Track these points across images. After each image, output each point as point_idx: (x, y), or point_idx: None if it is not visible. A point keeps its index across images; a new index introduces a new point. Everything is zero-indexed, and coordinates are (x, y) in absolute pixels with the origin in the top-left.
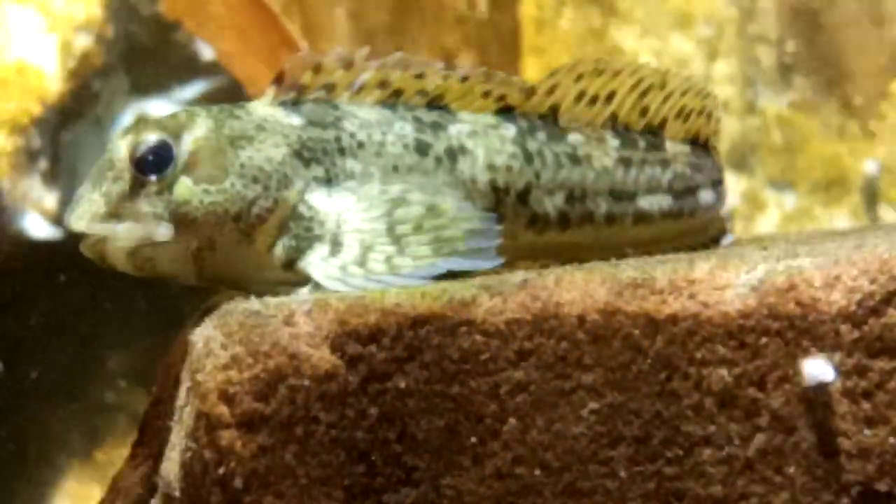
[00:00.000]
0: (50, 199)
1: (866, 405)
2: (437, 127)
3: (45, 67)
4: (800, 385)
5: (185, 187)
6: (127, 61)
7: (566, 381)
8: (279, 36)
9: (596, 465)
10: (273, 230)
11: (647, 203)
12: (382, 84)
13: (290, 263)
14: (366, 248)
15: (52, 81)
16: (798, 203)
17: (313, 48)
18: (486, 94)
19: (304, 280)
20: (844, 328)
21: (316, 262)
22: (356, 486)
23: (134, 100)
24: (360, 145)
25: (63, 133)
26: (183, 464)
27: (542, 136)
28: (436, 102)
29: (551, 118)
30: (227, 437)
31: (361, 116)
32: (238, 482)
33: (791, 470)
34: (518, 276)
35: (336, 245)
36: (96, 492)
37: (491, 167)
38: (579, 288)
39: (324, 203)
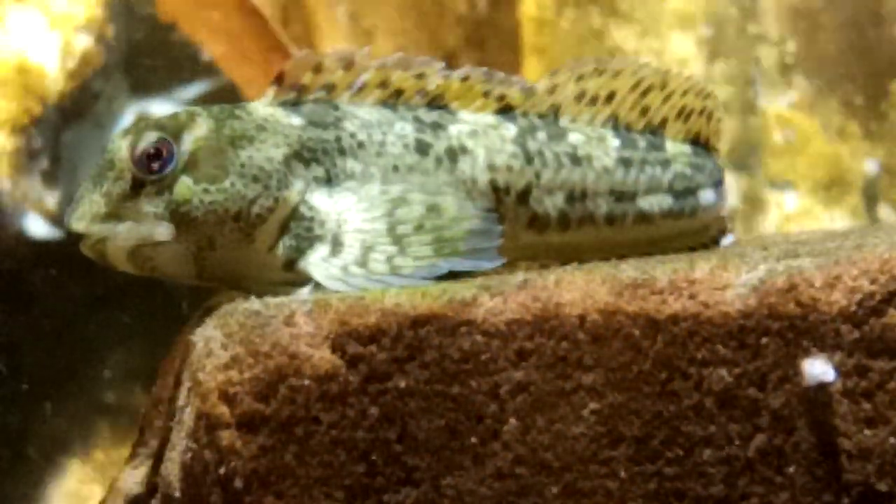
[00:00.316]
0: (50, 199)
1: (866, 405)
2: (437, 127)
3: (45, 67)
4: (800, 385)
5: (185, 187)
6: (127, 61)
7: (566, 382)
8: (271, 41)
9: (596, 465)
10: (273, 230)
11: (647, 203)
12: (383, 84)
13: (290, 263)
14: (367, 248)
15: (53, 81)
16: (798, 203)
17: (313, 48)
18: (486, 94)
19: (305, 280)
20: (845, 328)
21: (316, 263)
22: (356, 486)
23: (134, 100)
24: (361, 145)
25: (63, 133)
26: (183, 464)
27: (542, 136)
28: (436, 102)
29: (552, 118)
30: (227, 437)
31: (362, 116)
32: (238, 482)
33: (791, 470)
34: (518, 276)
35: (337, 245)
36: (96, 492)
37: (491, 167)
38: (580, 288)
39: (324, 203)
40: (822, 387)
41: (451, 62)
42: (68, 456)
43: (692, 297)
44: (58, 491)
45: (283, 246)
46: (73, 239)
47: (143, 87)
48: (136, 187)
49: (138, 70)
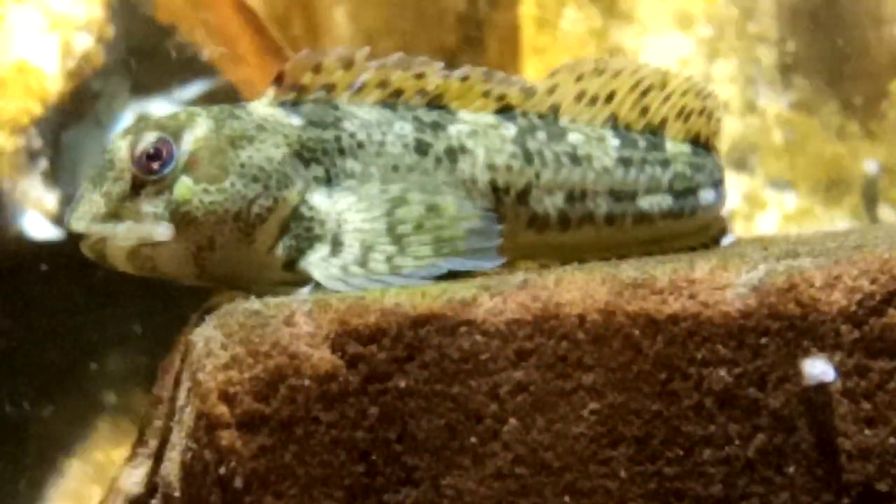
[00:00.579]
0: (50, 199)
1: (866, 405)
2: (437, 127)
3: (45, 67)
4: (800, 385)
5: (185, 187)
6: (127, 61)
7: (566, 382)
8: (266, 42)
9: (596, 465)
10: (273, 230)
11: (647, 203)
12: (382, 84)
13: (290, 263)
14: (366, 247)
15: (53, 81)
16: (798, 203)
17: (313, 48)
18: (485, 94)
19: (305, 280)
20: (845, 328)
21: (317, 262)
22: (356, 485)
23: (134, 100)
24: (360, 145)
25: (63, 133)
26: (183, 464)
27: (542, 135)
28: (436, 102)
29: (551, 118)
30: (227, 437)
31: (361, 116)
32: (238, 482)
33: (791, 470)
34: (518, 276)
35: (337, 245)
36: (96, 492)
37: (491, 167)
38: (579, 288)
39: (324, 203)
40: (822, 387)
41: (450, 62)
42: (68, 456)
43: (692, 296)
44: (58, 491)
45: (283, 246)
46: (74, 239)
47: (143, 87)
48: (136, 187)
49: (138, 70)
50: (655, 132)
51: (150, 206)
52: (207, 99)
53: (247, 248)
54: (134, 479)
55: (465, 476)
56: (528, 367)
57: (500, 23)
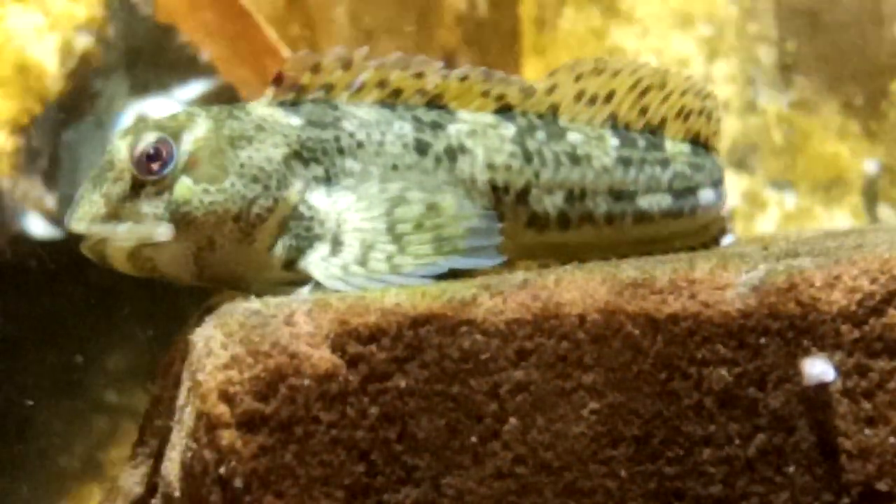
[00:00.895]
0: (50, 199)
1: (866, 405)
2: (436, 126)
3: (45, 67)
4: (800, 385)
5: (185, 187)
6: (127, 61)
7: (566, 381)
8: (263, 42)
9: (596, 465)
10: (273, 230)
11: (646, 202)
12: (381, 84)
13: (290, 263)
14: (367, 247)
15: (53, 81)
16: (798, 203)
17: (313, 48)
18: (485, 94)
19: (305, 280)
20: (845, 328)
21: (317, 262)
22: (356, 485)
23: (134, 100)
24: (360, 145)
25: (63, 133)
26: (183, 464)
27: (541, 135)
28: (435, 102)
29: (551, 117)
30: (227, 437)
31: (360, 116)
32: (238, 482)
33: (791, 470)
34: (518, 275)
35: (337, 244)
36: (96, 492)
37: (490, 166)
38: (579, 288)
39: (324, 203)
40: (822, 386)
41: (450, 62)
42: (68, 456)
43: (692, 296)
44: (58, 491)
45: (283, 246)
46: (74, 239)
47: (143, 87)
48: (136, 188)
49: (138, 70)
50: (655, 132)
51: (149, 206)
52: (207, 99)
53: (247, 248)
54: (134, 479)
55: (465, 476)
56: (528, 366)
57: (500, 23)
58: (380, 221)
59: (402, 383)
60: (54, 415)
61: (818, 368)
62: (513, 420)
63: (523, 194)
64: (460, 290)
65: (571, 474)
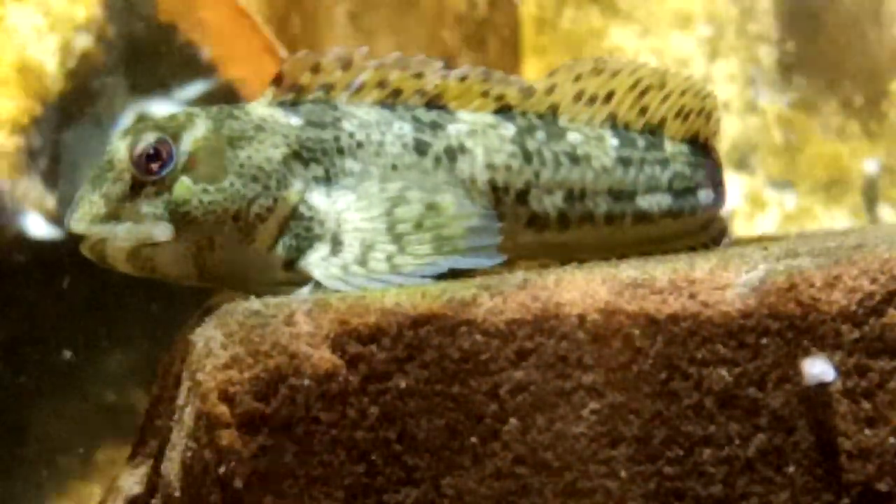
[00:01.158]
0: (50, 199)
1: (866, 405)
2: (436, 126)
3: (45, 67)
4: (800, 385)
5: (184, 187)
6: (127, 61)
7: (566, 381)
8: (262, 42)
9: (596, 465)
10: (273, 230)
11: (646, 202)
12: (381, 84)
13: (290, 263)
14: (366, 247)
15: (53, 81)
16: (798, 203)
17: (313, 48)
18: (484, 94)
19: (305, 279)
20: (845, 328)
21: (317, 262)
22: (356, 485)
23: (134, 100)
24: (360, 145)
25: (63, 133)
26: (183, 464)
27: (541, 135)
28: (435, 102)
29: (550, 118)
30: (227, 437)
31: (360, 116)
32: (238, 482)
33: (791, 470)
34: (518, 276)
35: (337, 244)
36: (96, 492)
37: (490, 166)
38: (579, 288)
39: (324, 203)
40: (822, 387)
41: (450, 62)
42: (68, 456)
43: (692, 296)
44: (58, 491)
45: (283, 245)
46: (73, 239)
47: (143, 87)
48: (136, 188)
49: (138, 70)
50: (654, 132)
51: (149, 206)
52: (207, 99)
53: (247, 247)
54: (134, 479)
55: (465, 476)
56: (528, 366)
57: (500, 23)
58: (380, 221)
59: (402, 383)
60: (54, 415)
61: (818, 368)
62: (513, 420)
63: (523, 194)
64: (460, 290)
65: (571, 474)
